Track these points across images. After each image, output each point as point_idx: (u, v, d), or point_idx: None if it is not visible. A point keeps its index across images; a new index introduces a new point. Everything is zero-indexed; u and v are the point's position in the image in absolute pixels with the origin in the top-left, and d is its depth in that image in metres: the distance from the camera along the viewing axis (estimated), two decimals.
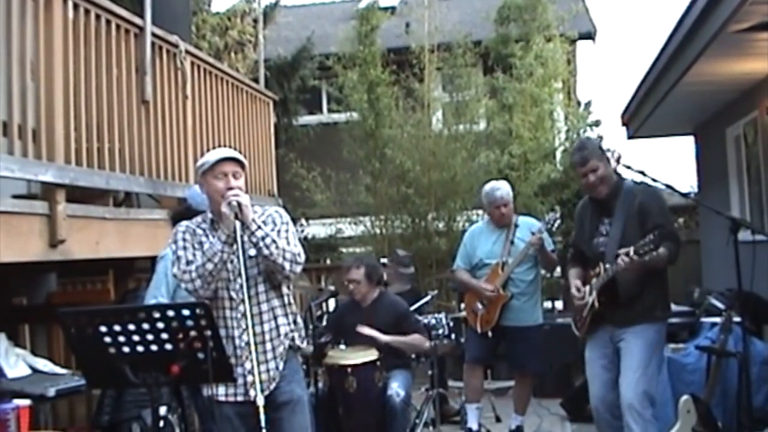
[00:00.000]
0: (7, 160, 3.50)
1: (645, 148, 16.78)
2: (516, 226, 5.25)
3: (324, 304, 6.20)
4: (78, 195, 4.18)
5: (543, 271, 5.56)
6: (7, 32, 3.59)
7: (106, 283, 6.25)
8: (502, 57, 9.72)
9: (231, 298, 3.13)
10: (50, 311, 4.28)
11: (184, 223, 3.26)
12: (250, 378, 3.06)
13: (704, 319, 5.66)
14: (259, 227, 3.06)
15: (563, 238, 7.47)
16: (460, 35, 9.42)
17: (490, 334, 5.22)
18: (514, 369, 5.61)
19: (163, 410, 2.84)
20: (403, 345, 4.95)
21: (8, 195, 3.83)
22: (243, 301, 2.98)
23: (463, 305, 5.63)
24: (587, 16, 11.68)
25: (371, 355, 4.74)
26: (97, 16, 4.36)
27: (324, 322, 5.67)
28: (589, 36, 11.45)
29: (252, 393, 3.04)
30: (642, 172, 3.99)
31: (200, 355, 2.69)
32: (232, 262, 3.07)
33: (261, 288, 3.17)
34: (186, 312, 2.65)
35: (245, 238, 3.03)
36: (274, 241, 3.06)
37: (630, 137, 9.85)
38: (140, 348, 2.66)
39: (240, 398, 3.12)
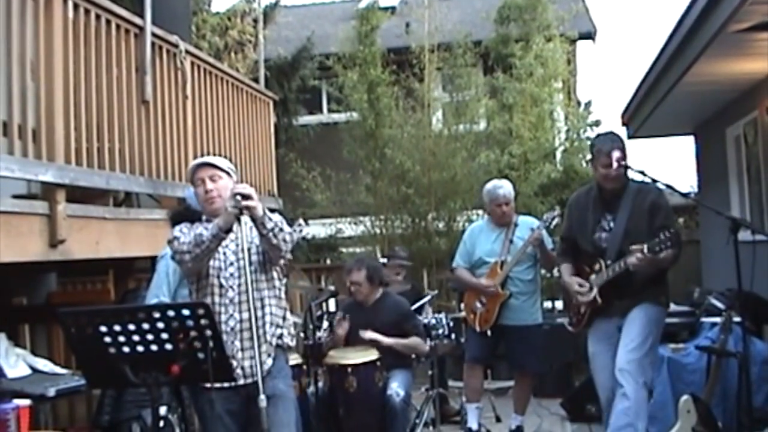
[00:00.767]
0: (7, 160, 3.50)
1: (645, 148, 16.77)
2: (515, 225, 5.25)
3: (324, 304, 6.21)
4: (78, 195, 4.18)
5: (543, 271, 5.56)
6: (7, 32, 3.58)
7: (106, 283, 6.25)
8: (502, 57, 9.71)
9: (221, 285, 3.19)
10: (50, 311, 4.27)
11: (185, 224, 3.29)
12: (233, 363, 3.09)
13: (704, 319, 5.65)
14: (270, 218, 3.09)
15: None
16: (460, 35, 9.42)
17: (489, 333, 5.22)
18: (514, 369, 5.61)
19: (163, 410, 2.84)
20: (403, 348, 4.97)
21: (8, 195, 3.83)
22: (231, 287, 3.13)
23: (462, 305, 5.63)
24: (587, 16, 11.68)
25: (371, 354, 4.74)
26: (97, 16, 4.35)
27: (324, 322, 5.67)
28: (589, 36, 11.45)
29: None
30: (642, 172, 4.00)
31: (200, 355, 2.69)
32: (224, 252, 3.17)
33: (252, 276, 3.17)
34: (186, 312, 2.65)
35: (247, 231, 3.09)
36: (281, 229, 3.11)
37: (630, 137, 9.84)
38: (140, 348, 2.66)
39: (225, 384, 3.11)
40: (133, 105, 4.71)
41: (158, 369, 2.69)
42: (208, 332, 2.67)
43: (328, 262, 10.29)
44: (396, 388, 4.73)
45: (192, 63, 5.53)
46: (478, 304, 5.26)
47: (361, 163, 9.28)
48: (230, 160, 3.49)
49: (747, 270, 3.75)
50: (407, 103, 9.39)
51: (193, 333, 2.66)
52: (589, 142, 9.49)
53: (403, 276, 6.40)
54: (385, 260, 6.42)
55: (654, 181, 4.05)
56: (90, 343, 2.68)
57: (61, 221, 3.81)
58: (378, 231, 9.34)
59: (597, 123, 9.77)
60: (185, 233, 3.18)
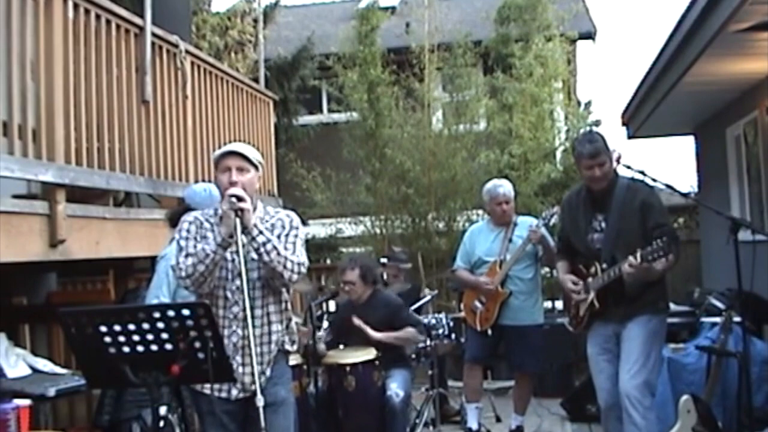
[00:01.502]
0: (7, 160, 3.50)
1: (645, 148, 16.79)
2: (515, 225, 5.27)
3: (324, 304, 6.21)
4: (78, 195, 4.18)
5: (543, 270, 5.56)
6: (7, 32, 3.58)
7: (106, 283, 6.26)
8: (502, 57, 9.71)
9: (226, 298, 3.11)
10: (50, 311, 4.29)
11: (194, 213, 3.24)
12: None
13: (704, 319, 5.66)
14: (261, 232, 3.01)
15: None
16: (460, 35, 9.42)
17: (489, 332, 5.22)
18: (514, 369, 5.61)
19: (163, 410, 2.83)
20: (395, 340, 4.94)
21: (8, 195, 3.83)
22: (237, 302, 2.99)
23: (462, 305, 5.63)
24: (587, 16, 11.68)
25: (370, 354, 4.74)
26: (97, 16, 4.35)
27: (324, 322, 5.68)
28: (589, 36, 11.45)
29: (234, 392, 3.12)
30: (642, 172, 3.99)
31: (200, 355, 2.68)
32: (233, 261, 3.04)
33: (258, 293, 3.13)
34: (186, 312, 2.64)
35: (245, 241, 3.00)
36: (275, 248, 3.01)
37: (630, 137, 9.84)
38: (140, 348, 2.66)
39: (224, 394, 3.14)
40: (133, 105, 4.71)
41: (158, 369, 2.69)
42: (208, 332, 2.67)
43: (328, 262, 10.29)
44: (395, 388, 4.73)
45: (192, 63, 5.53)
46: (478, 304, 5.26)
47: (361, 163, 9.28)
48: None
49: (747, 270, 3.75)
50: (407, 103, 9.39)
51: (193, 333, 2.65)
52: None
53: (402, 276, 6.41)
54: (384, 260, 6.43)
55: (654, 180, 4.04)
56: (90, 343, 2.67)
57: (61, 221, 3.81)
58: (378, 231, 9.34)
59: (597, 123, 9.79)
60: (190, 233, 3.12)
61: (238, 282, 3.04)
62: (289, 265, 3.04)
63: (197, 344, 2.66)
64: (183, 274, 3.03)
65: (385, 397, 4.70)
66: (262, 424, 2.83)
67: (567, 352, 6.60)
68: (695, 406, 4.32)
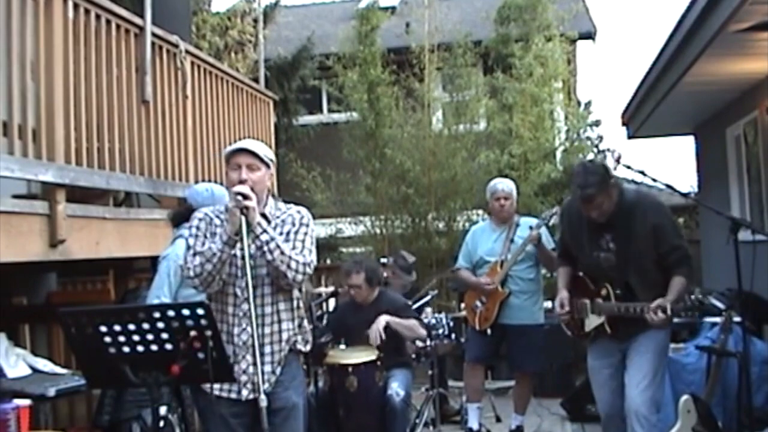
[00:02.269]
0: (7, 160, 3.50)
1: (645, 148, 16.83)
2: (517, 225, 5.27)
3: (324, 304, 6.21)
4: (78, 195, 4.18)
5: (543, 270, 5.56)
6: (7, 32, 3.58)
7: (106, 283, 6.27)
8: (502, 57, 9.72)
9: (235, 295, 3.07)
10: (50, 311, 4.28)
11: (205, 209, 3.21)
12: (243, 378, 3.03)
13: (704, 319, 5.66)
14: (264, 231, 2.98)
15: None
16: (460, 35, 9.43)
17: (489, 332, 5.22)
18: (514, 368, 5.61)
19: (163, 410, 2.83)
20: (401, 327, 4.93)
21: (8, 195, 3.83)
22: (247, 299, 2.92)
23: (463, 305, 5.63)
24: (587, 16, 11.68)
25: (371, 354, 4.75)
26: (97, 16, 4.35)
27: (324, 322, 5.67)
28: (589, 36, 11.45)
29: (244, 393, 3.04)
30: (642, 172, 3.95)
31: (200, 355, 2.68)
32: (243, 258, 2.97)
33: (267, 290, 3.08)
34: (186, 312, 2.64)
35: (250, 239, 2.97)
36: (278, 247, 2.98)
37: (630, 137, 9.85)
38: (140, 348, 2.66)
39: (233, 395, 3.08)
40: (133, 105, 4.71)
41: (158, 369, 2.69)
42: (208, 332, 2.67)
43: (328, 262, 10.29)
44: (396, 388, 4.73)
45: (192, 63, 5.53)
46: (479, 303, 5.27)
47: (361, 163, 9.28)
48: None
49: (747, 270, 3.74)
50: (407, 103, 9.39)
51: (193, 333, 2.65)
52: (589, 143, 9.52)
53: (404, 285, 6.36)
54: (384, 260, 6.42)
55: (654, 181, 4.02)
56: (90, 343, 2.67)
57: (61, 221, 3.80)
58: (378, 231, 9.35)
59: (597, 123, 9.79)
60: (199, 231, 3.09)
61: (247, 279, 2.99)
62: (293, 264, 3.00)
63: (197, 344, 2.66)
64: (191, 273, 2.99)
65: (385, 397, 4.70)
66: (265, 425, 2.79)
67: (567, 352, 6.60)
68: (695, 406, 4.32)
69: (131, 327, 2.64)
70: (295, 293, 3.19)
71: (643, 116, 8.65)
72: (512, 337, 5.23)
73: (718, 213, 4.28)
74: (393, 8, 12.24)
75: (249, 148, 3.07)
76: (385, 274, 6.06)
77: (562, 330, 4.17)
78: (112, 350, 2.66)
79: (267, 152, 3.14)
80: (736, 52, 5.73)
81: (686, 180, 14.59)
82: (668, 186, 4.09)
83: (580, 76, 12.48)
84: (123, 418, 4.33)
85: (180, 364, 2.67)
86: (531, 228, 5.14)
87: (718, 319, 5.01)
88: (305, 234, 3.13)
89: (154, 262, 4.28)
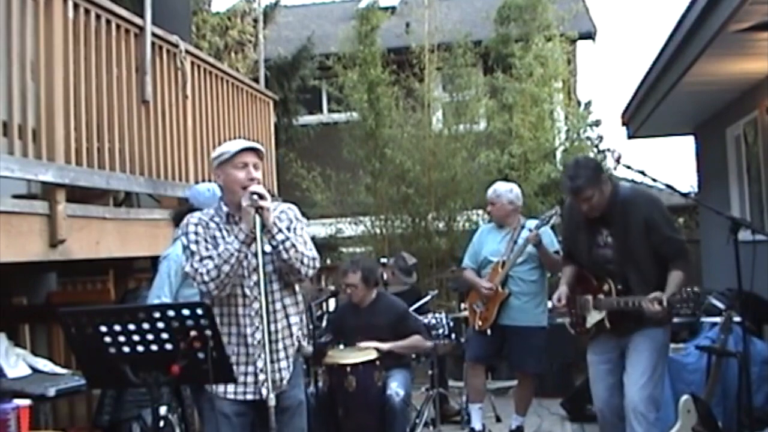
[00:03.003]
0: (7, 160, 3.50)
1: (645, 148, 16.84)
2: (522, 227, 5.29)
3: (324, 304, 6.21)
4: (78, 195, 4.18)
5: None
6: (7, 32, 3.58)
7: (106, 283, 6.26)
8: (502, 57, 9.72)
9: (245, 295, 3.06)
10: (50, 311, 4.29)
11: (196, 214, 3.18)
12: (262, 376, 3.01)
13: (704, 319, 5.66)
14: (280, 230, 3.00)
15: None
16: (460, 35, 9.42)
17: (489, 332, 5.22)
18: (514, 369, 5.61)
19: (163, 410, 2.83)
20: (404, 349, 4.97)
21: (8, 195, 3.83)
22: (257, 298, 2.92)
23: (463, 305, 5.63)
24: (587, 16, 11.68)
25: (371, 354, 4.74)
26: (97, 16, 4.35)
27: (324, 322, 5.68)
28: (589, 36, 11.45)
29: (264, 392, 2.96)
30: (642, 172, 3.96)
31: (200, 355, 2.68)
32: (247, 257, 2.99)
33: (275, 286, 3.10)
34: (186, 312, 2.64)
35: (264, 238, 2.96)
36: (293, 246, 3.00)
37: (630, 137, 9.85)
38: (140, 348, 2.66)
39: (249, 396, 3.06)
40: (133, 105, 4.71)
41: (158, 369, 2.69)
42: (208, 332, 2.67)
43: (328, 262, 10.28)
44: (396, 388, 4.73)
45: (192, 63, 5.53)
46: (480, 303, 5.28)
47: (361, 163, 9.28)
48: None
49: (747, 270, 3.74)
50: (407, 103, 9.39)
51: (193, 333, 2.65)
52: (589, 143, 9.52)
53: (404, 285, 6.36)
54: (384, 260, 6.41)
55: (654, 180, 4.02)
56: (90, 343, 2.68)
57: (61, 221, 3.80)
58: (378, 231, 9.34)
59: (597, 123, 9.80)
60: (199, 236, 3.06)
61: (255, 278, 3.00)
62: (305, 260, 3.04)
63: (197, 344, 2.66)
64: (206, 278, 2.95)
65: (384, 397, 4.70)
66: (272, 424, 2.79)
67: (567, 352, 6.60)
68: (695, 406, 4.31)
69: (131, 327, 2.64)
70: (297, 287, 3.22)
71: (643, 116, 8.65)
72: (511, 338, 5.23)
73: (718, 213, 4.28)
74: (393, 8, 12.24)
75: (255, 147, 3.10)
76: (384, 275, 6.07)
77: (562, 330, 4.19)
78: (112, 350, 2.66)
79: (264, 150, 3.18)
80: (736, 52, 5.73)
81: (686, 180, 14.61)
82: (668, 186, 4.09)
83: (580, 76, 12.50)
84: (123, 418, 4.34)
85: (180, 364, 2.67)
86: (530, 230, 5.14)
87: (718, 319, 5.01)
88: (302, 229, 3.16)
89: (154, 262, 4.28)
